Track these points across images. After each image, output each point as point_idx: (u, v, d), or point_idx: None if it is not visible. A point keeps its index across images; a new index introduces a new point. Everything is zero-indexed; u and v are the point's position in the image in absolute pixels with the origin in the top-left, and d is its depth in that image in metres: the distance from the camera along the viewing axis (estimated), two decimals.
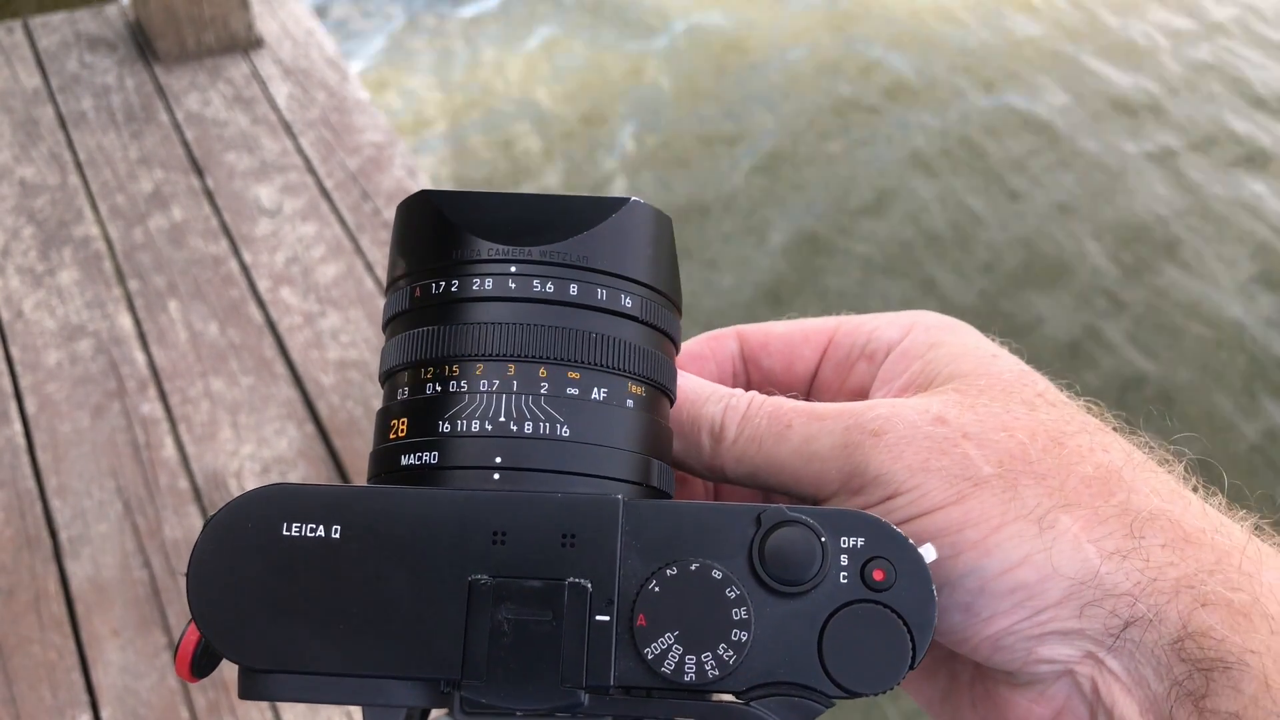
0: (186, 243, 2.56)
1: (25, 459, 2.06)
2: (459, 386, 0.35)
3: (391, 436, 0.36)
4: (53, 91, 3.03)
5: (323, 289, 2.45)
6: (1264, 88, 4.43)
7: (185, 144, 2.85)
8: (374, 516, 0.33)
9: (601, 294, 0.36)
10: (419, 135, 3.98)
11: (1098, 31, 4.77)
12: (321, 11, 4.45)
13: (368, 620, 0.32)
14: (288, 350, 2.30)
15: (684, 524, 0.33)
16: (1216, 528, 0.35)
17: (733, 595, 0.32)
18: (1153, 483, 0.36)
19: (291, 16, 3.36)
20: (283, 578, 0.32)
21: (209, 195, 2.70)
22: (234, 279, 2.46)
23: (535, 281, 0.35)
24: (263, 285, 2.45)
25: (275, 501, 0.33)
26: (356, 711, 0.34)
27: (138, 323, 2.34)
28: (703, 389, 0.41)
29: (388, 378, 0.38)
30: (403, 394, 0.36)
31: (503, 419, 0.34)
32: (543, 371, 0.35)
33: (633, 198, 0.37)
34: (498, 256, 0.35)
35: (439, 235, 0.36)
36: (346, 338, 2.33)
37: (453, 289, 0.36)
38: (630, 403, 0.36)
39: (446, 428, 0.34)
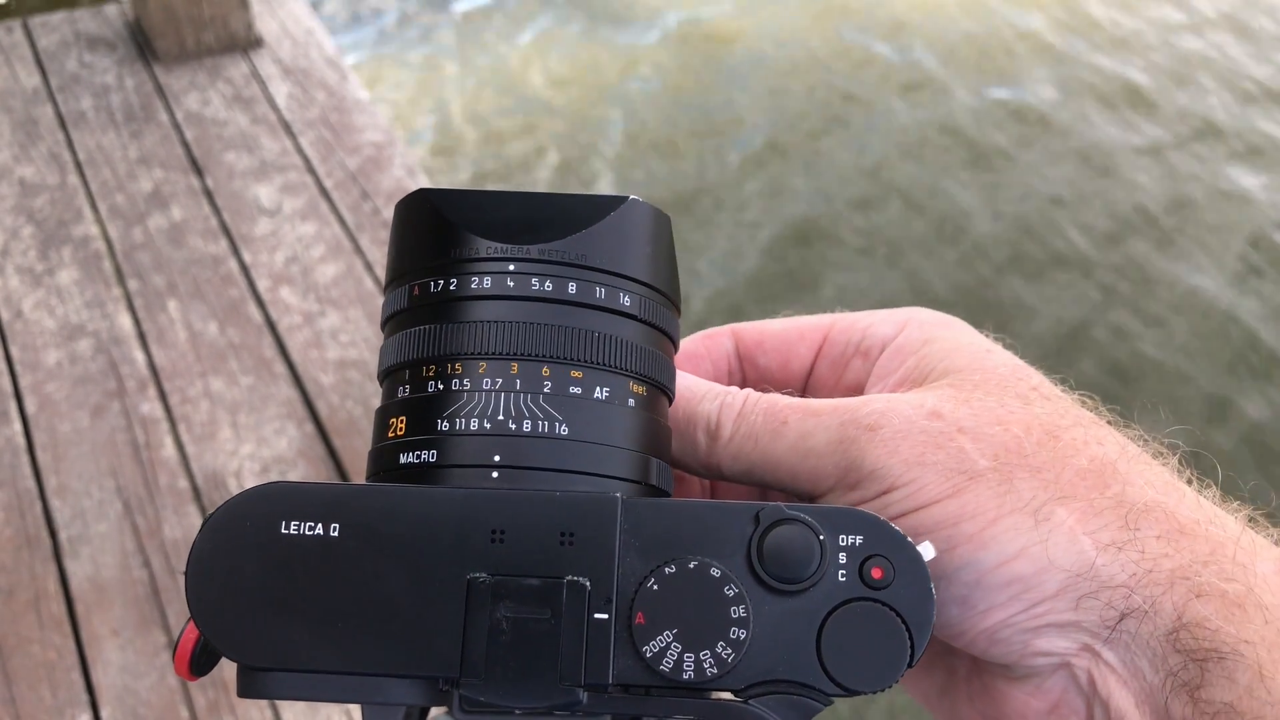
0: (186, 242, 2.56)
1: (25, 459, 2.06)
2: (457, 385, 0.35)
3: (390, 435, 0.36)
4: (52, 91, 3.03)
5: (322, 288, 2.45)
6: (1252, 83, 4.44)
7: (185, 144, 2.85)
8: (372, 515, 0.33)
9: (600, 292, 0.36)
10: (408, 128, 3.99)
11: (1092, 24, 4.78)
12: (314, 5, 4.46)
13: (366, 618, 0.32)
14: (287, 350, 2.30)
15: (682, 522, 0.33)
16: (1211, 519, 0.35)
17: (731, 593, 0.32)
18: (1147, 475, 0.36)
19: (291, 16, 3.35)
20: (281, 576, 0.32)
21: (208, 195, 2.70)
22: (233, 279, 2.46)
23: (534, 280, 0.35)
24: (262, 285, 2.45)
25: (273, 500, 0.33)
26: (356, 710, 0.34)
27: (137, 322, 2.34)
28: (698, 387, 0.41)
29: (386, 376, 0.38)
30: (401, 393, 0.36)
31: (501, 417, 0.34)
32: (545, 371, 0.35)
33: (631, 196, 0.37)
34: (496, 255, 0.35)
35: (437, 234, 0.36)
36: (346, 337, 2.33)
37: (451, 287, 0.36)
38: (629, 401, 0.36)
39: (445, 426, 0.34)
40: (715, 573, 0.32)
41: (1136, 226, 3.68)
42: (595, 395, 0.35)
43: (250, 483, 2.02)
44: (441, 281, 0.36)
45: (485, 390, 0.34)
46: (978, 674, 0.39)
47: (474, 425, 0.34)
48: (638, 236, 0.37)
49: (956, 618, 0.36)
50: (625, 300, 0.36)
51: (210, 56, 3.14)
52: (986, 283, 3.44)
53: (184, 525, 1.95)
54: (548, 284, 0.35)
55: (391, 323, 0.38)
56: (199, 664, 0.34)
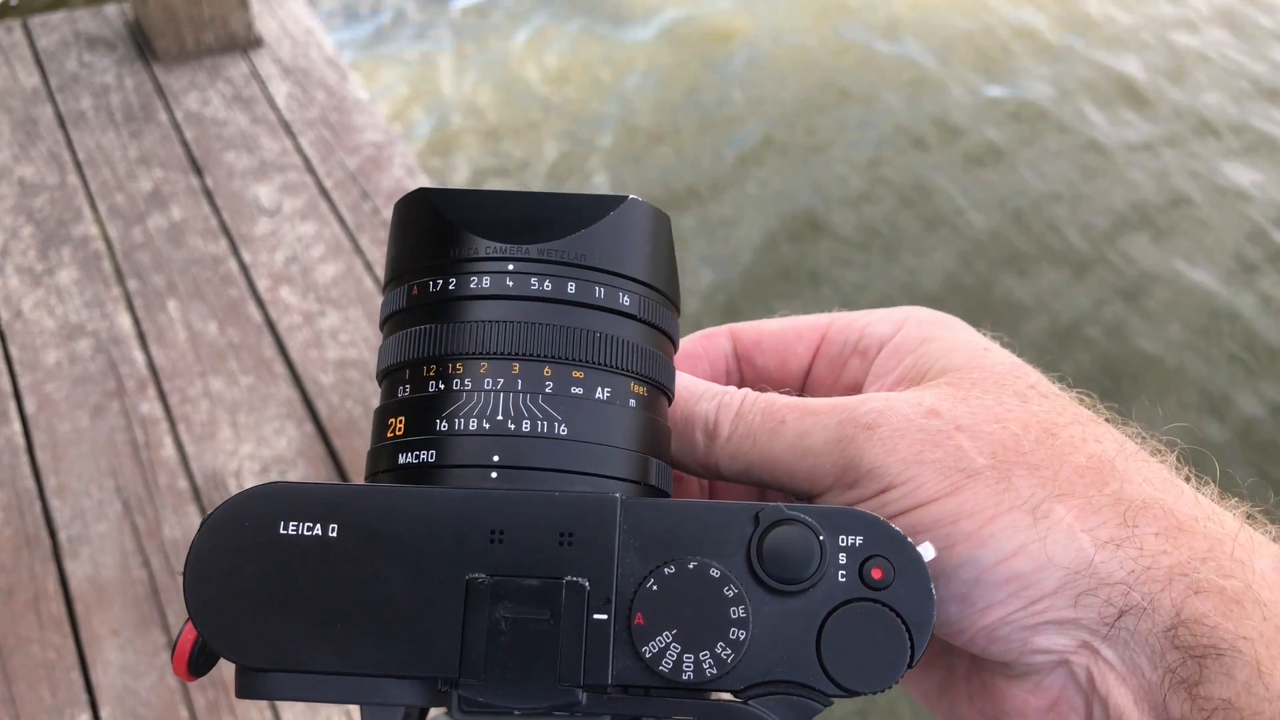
0: (186, 242, 2.56)
1: (24, 459, 2.06)
2: (456, 385, 0.35)
3: (389, 435, 0.36)
4: (52, 91, 3.03)
5: (322, 288, 2.44)
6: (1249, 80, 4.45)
7: (184, 143, 2.85)
8: (371, 515, 0.32)
9: (599, 292, 0.36)
10: (404, 123, 3.99)
11: (1089, 21, 4.79)
12: (311, 2, 4.46)
13: (365, 619, 0.32)
14: (287, 350, 2.30)
15: (682, 522, 0.33)
16: (1209, 516, 0.35)
17: (731, 594, 0.32)
18: (1145, 472, 0.36)
19: (291, 16, 3.35)
20: (280, 576, 0.32)
21: (208, 195, 2.70)
22: (233, 278, 2.46)
23: (533, 280, 0.35)
24: (262, 285, 2.45)
25: (272, 500, 0.33)
26: (355, 710, 0.34)
27: (137, 322, 2.34)
28: (696, 387, 0.41)
29: (385, 376, 0.37)
30: (400, 392, 0.36)
31: (500, 417, 0.34)
32: (547, 371, 0.35)
33: (631, 196, 0.37)
34: (495, 254, 0.35)
35: (436, 233, 0.36)
36: (346, 337, 2.33)
37: (450, 287, 0.35)
38: (630, 402, 0.36)
39: (444, 426, 0.34)
40: (715, 573, 0.32)
41: (1133, 222, 3.69)
42: (597, 396, 0.35)
43: (250, 483, 2.01)
44: (440, 281, 0.36)
45: (484, 390, 0.34)
46: (977, 672, 0.39)
47: (473, 425, 0.34)
48: (637, 236, 0.37)
49: (956, 615, 0.36)
50: (625, 300, 0.36)
51: (210, 56, 3.14)
52: (983, 279, 3.45)
53: (184, 525, 1.95)
54: (547, 284, 0.35)
55: (390, 323, 0.38)
56: (197, 665, 0.34)
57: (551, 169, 3.82)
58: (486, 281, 0.35)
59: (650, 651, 0.32)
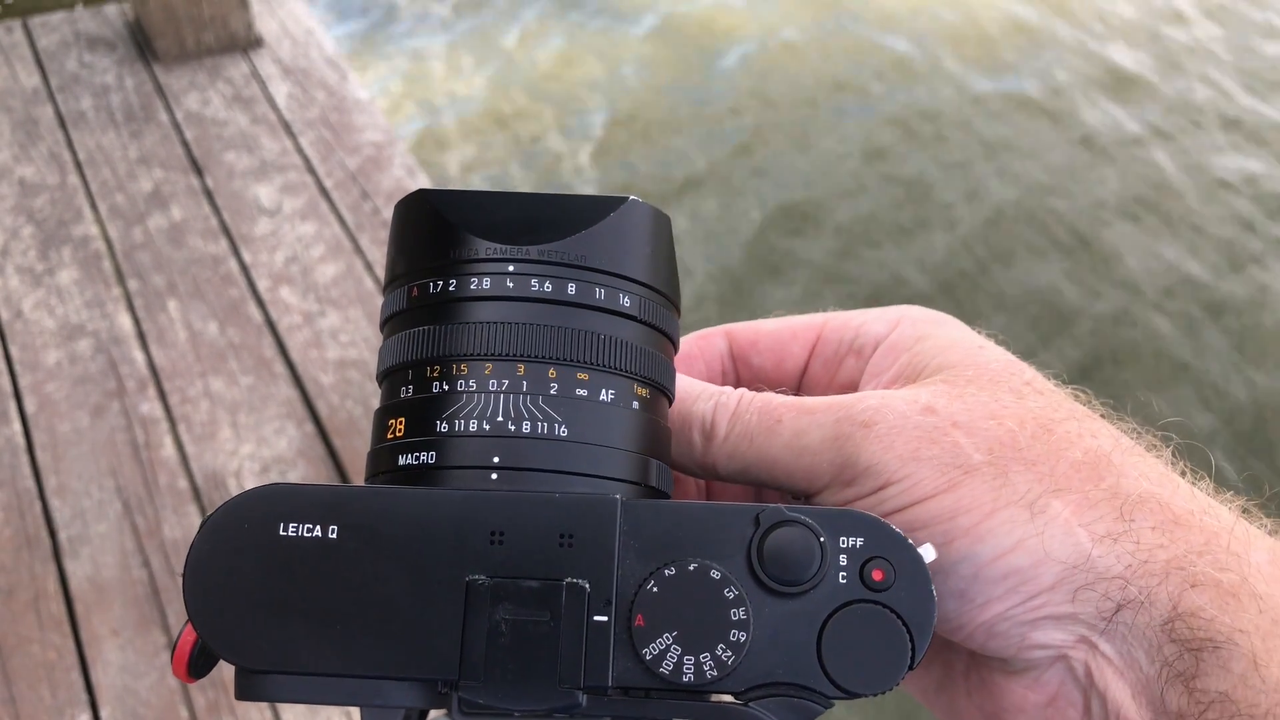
0: (186, 242, 2.56)
1: (25, 459, 2.06)
2: (457, 386, 0.35)
3: (389, 436, 0.36)
4: (52, 91, 3.03)
5: (322, 288, 2.44)
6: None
7: (185, 143, 2.85)
8: (371, 516, 0.32)
9: (600, 293, 0.36)
10: (397, 117, 3.99)
11: (1083, 13, 4.80)
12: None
13: (365, 621, 0.32)
14: (287, 350, 2.30)
15: (682, 524, 0.33)
16: (1205, 509, 0.35)
17: (731, 595, 0.32)
18: (1141, 467, 0.36)
19: (291, 16, 3.35)
20: (280, 578, 0.32)
21: (208, 195, 2.70)
22: (233, 278, 2.46)
23: (533, 281, 0.35)
24: (262, 285, 2.45)
25: (272, 501, 0.33)
26: (355, 712, 0.34)
27: (137, 322, 2.34)
28: (693, 387, 0.41)
29: (385, 377, 0.37)
30: (400, 394, 0.36)
31: (500, 419, 0.34)
32: (552, 373, 0.35)
33: (631, 196, 0.37)
34: (495, 256, 0.35)
35: (436, 234, 0.36)
36: (346, 337, 2.33)
37: (450, 288, 0.35)
38: (634, 404, 0.36)
39: (444, 427, 0.34)
40: (715, 575, 0.32)
41: (1127, 212, 3.70)
42: (601, 397, 0.35)
43: (250, 483, 2.01)
44: (440, 282, 0.36)
45: (484, 391, 0.34)
46: (975, 668, 0.39)
47: (473, 426, 0.34)
48: (637, 237, 0.37)
49: (954, 611, 0.36)
50: (625, 301, 0.36)
51: (210, 56, 3.14)
52: (975, 270, 3.47)
53: (184, 525, 1.95)
54: (547, 285, 0.35)
55: (390, 324, 0.38)
56: (197, 666, 0.34)
57: (547, 164, 3.83)
58: (487, 283, 0.35)
59: (651, 653, 0.32)
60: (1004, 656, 0.36)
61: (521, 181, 3.74)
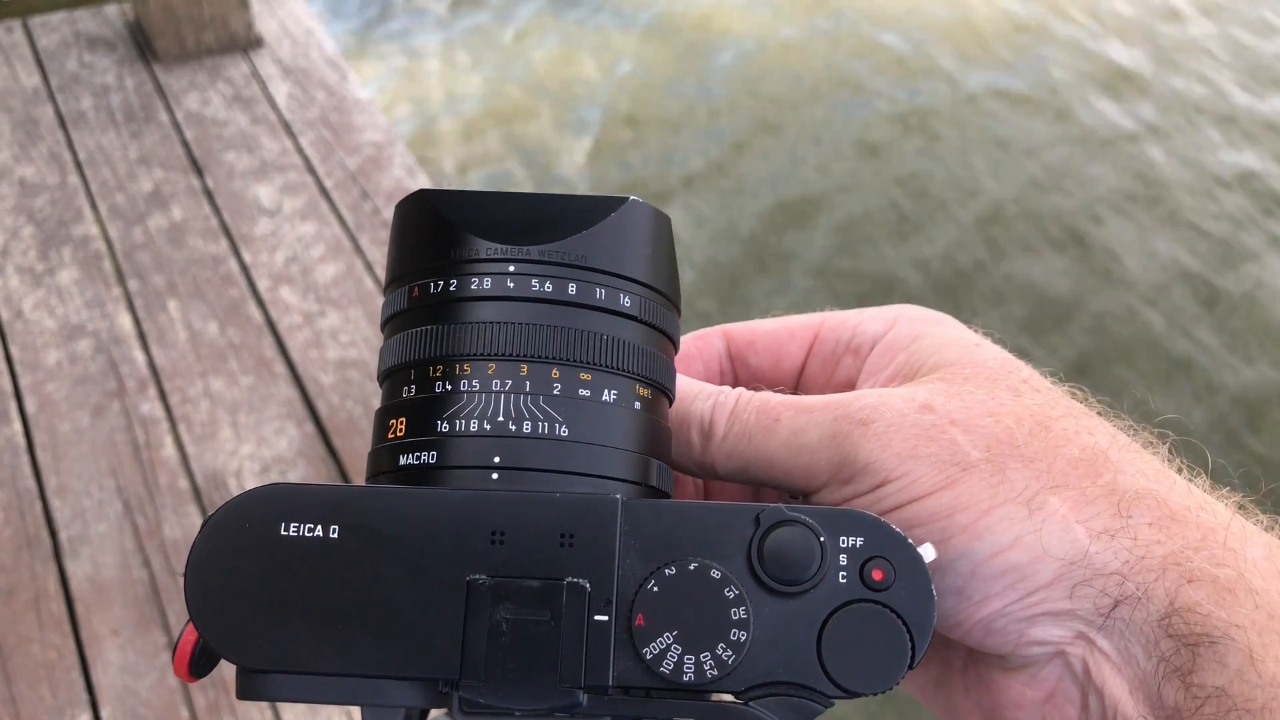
0: (186, 242, 2.56)
1: (25, 459, 2.06)
2: (457, 386, 0.35)
3: (390, 436, 0.36)
4: (52, 91, 3.03)
5: (322, 288, 2.45)
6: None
7: (185, 143, 2.85)
8: (372, 516, 0.32)
9: (600, 293, 0.36)
10: (391, 115, 4.00)
11: (1083, 9, 4.80)
12: None
13: (366, 620, 0.32)
14: (287, 350, 2.30)
15: (683, 524, 0.33)
16: (1201, 505, 0.35)
17: (731, 595, 0.32)
18: (1138, 463, 0.36)
19: (291, 16, 3.35)
20: (281, 578, 0.32)
21: (208, 195, 2.70)
22: (233, 278, 2.46)
23: (534, 281, 0.35)
24: (262, 285, 2.45)
25: (273, 501, 0.33)
26: (356, 711, 0.34)
27: (137, 322, 2.34)
28: (690, 387, 0.41)
29: (386, 377, 0.37)
30: (401, 394, 0.36)
31: (501, 418, 0.34)
32: (555, 373, 0.35)
33: (631, 197, 0.37)
34: (496, 256, 0.35)
35: (437, 235, 0.36)
36: (346, 337, 2.33)
37: (451, 288, 0.35)
38: (633, 404, 0.36)
39: (445, 427, 0.34)
40: (715, 574, 0.32)
41: (1123, 209, 3.70)
42: (604, 398, 0.35)
43: (250, 483, 2.02)
44: (441, 282, 0.36)
45: (485, 391, 0.34)
46: (973, 665, 0.39)
47: (474, 426, 0.34)
48: (638, 237, 0.37)
49: (952, 608, 0.36)
50: (625, 301, 0.36)
51: (210, 56, 3.14)
52: (974, 264, 3.47)
53: (184, 525, 1.95)
54: (548, 285, 0.35)
55: (391, 324, 0.38)
56: (198, 665, 0.34)
57: (540, 161, 3.83)
58: (488, 283, 0.35)
59: (651, 653, 0.32)
60: (1002, 653, 0.36)
61: (517, 178, 3.74)
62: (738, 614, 0.32)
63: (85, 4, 3.39)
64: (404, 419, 0.35)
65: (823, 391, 0.42)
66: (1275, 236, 3.62)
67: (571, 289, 0.35)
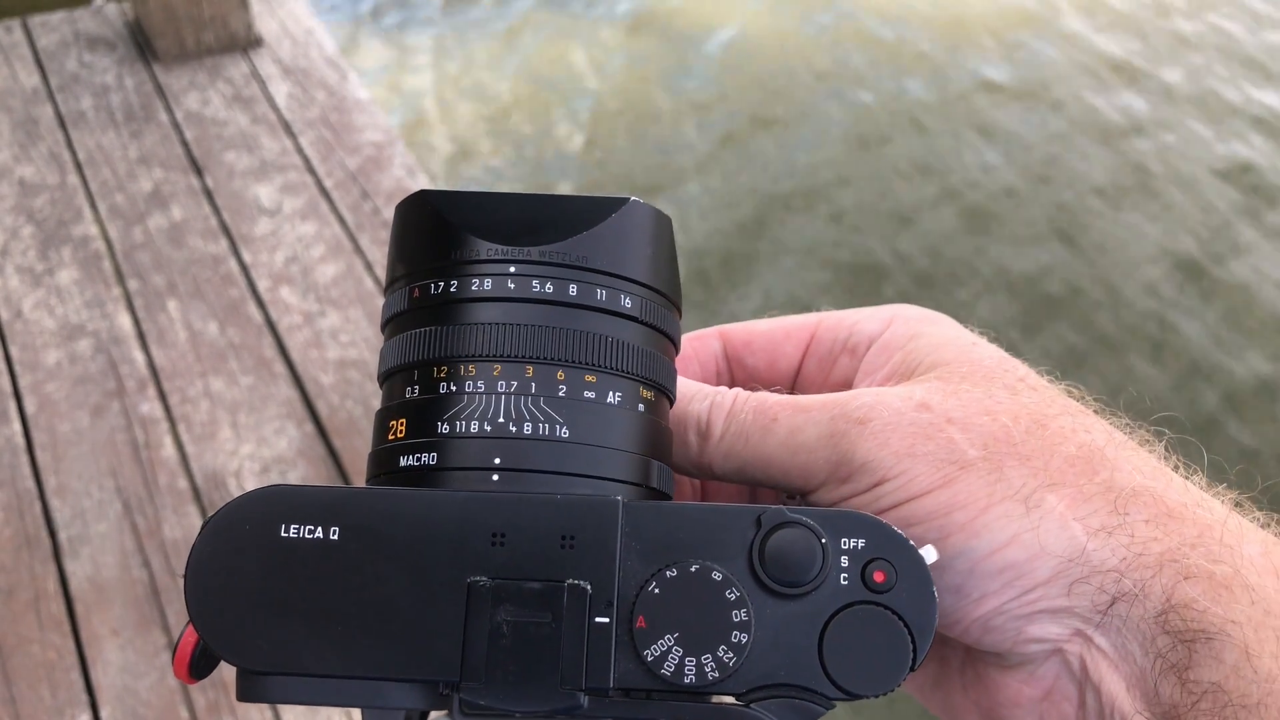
0: (186, 242, 2.56)
1: (24, 459, 2.06)
2: (461, 387, 0.35)
3: (390, 437, 0.36)
4: (52, 91, 3.03)
5: (322, 288, 2.44)
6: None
7: (185, 143, 2.85)
8: (372, 518, 0.32)
9: (601, 294, 0.36)
10: (385, 110, 4.00)
11: (1077, 0, 4.81)
12: None
13: (366, 622, 0.32)
14: (287, 350, 2.30)
15: (684, 525, 0.33)
16: (1198, 502, 0.35)
17: (733, 597, 0.32)
18: (1135, 461, 0.36)
19: (291, 16, 3.35)
20: (281, 579, 0.32)
21: (208, 195, 2.70)
22: (233, 278, 2.46)
23: (534, 282, 0.35)
24: (262, 285, 2.45)
25: (273, 502, 0.33)
26: (356, 713, 0.34)
27: (137, 322, 2.34)
28: (688, 388, 0.41)
29: (386, 378, 0.37)
30: (402, 395, 0.36)
31: (502, 420, 0.34)
32: (560, 374, 0.35)
33: (632, 197, 0.37)
34: (496, 257, 0.35)
35: (437, 235, 0.36)
36: (346, 337, 2.33)
37: (451, 289, 0.35)
38: (636, 405, 0.36)
39: (445, 429, 0.34)
40: (717, 576, 0.32)
41: (1118, 200, 3.71)
42: (609, 400, 0.35)
43: (250, 483, 2.02)
44: (442, 283, 0.36)
45: (485, 393, 0.34)
46: (971, 664, 0.39)
47: (474, 428, 0.34)
48: (638, 238, 0.37)
49: (951, 607, 0.36)
50: (626, 302, 0.36)
51: (210, 56, 3.14)
52: (969, 254, 3.48)
53: (184, 525, 1.95)
54: (549, 286, 0.35)
55: (391, 325, 0.38)
56: (198, 667, 0.34)
57: (532, 154, 3.83)
58: (488, 284, 0.35)
59: (652, 655, 0.32)
60: (1000, 651, 0.37)
61: (510, 173, 3.75)
62: (739, 616, 0.32)
63: (85, 3, 3.39)
64: (404, 420, 0.35)
65: (819, 391, 0.43)
66: (1268, 229, 3.62)
67: (572, 290, 0.35)
